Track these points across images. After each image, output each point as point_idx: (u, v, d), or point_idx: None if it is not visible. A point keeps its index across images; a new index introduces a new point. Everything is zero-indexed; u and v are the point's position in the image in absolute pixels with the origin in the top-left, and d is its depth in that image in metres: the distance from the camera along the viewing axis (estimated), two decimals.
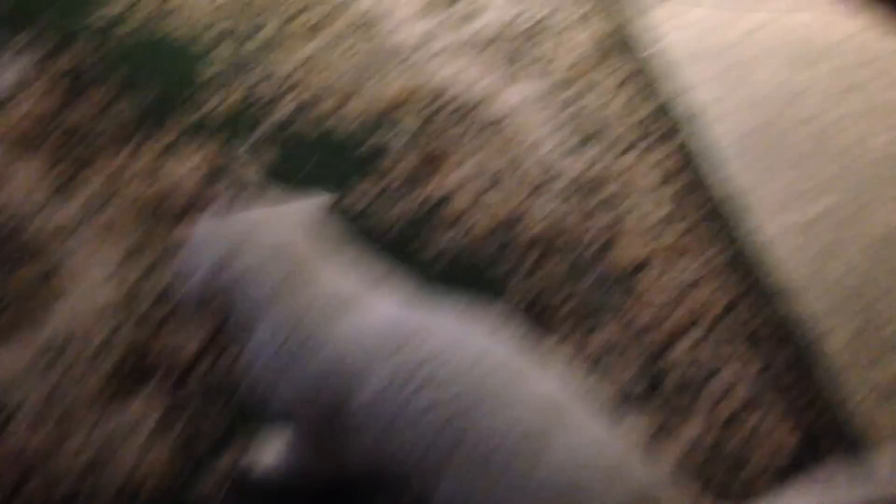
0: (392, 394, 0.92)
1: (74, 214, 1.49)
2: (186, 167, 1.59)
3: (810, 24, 2.20)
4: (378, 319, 0.98)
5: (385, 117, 1.77)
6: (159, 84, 1.75)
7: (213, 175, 1.59)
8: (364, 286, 1.03)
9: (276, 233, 1.05)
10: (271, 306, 1.01)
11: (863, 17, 2.24)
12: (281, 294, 1.01)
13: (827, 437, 1.32)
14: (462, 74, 1.91)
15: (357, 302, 1.00)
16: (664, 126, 1.83)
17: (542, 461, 0.86)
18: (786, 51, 2.11)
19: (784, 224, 1.64)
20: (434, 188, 1.64)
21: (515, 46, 2.01)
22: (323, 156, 1.67)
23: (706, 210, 1.65)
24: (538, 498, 0.85)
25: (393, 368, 0.93)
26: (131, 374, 1.29)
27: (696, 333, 1.44)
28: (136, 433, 1.23)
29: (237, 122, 1.71)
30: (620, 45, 2.05)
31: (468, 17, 2.08)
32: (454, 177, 1.67)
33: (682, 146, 1.78)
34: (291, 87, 1.81)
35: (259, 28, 1.95)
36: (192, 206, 1.52)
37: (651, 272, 1.53)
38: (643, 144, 1.79)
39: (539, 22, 2.09)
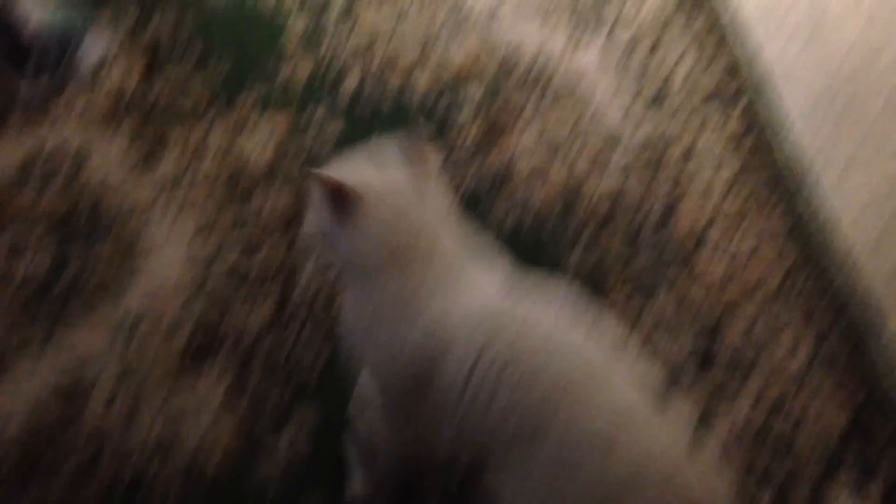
0: (476, 384, 0.97)
1: (154, 188, 1.56)
2: (262, 137, 1.66)
3: None
4: (475, 303, 1.01)
5: (455, 83, 1.81)
6: (235, 56, 1.81)
7: (289, 143, 1.66)
8: (471, 259, 1.06)
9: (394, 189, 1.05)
10: (381, 266, 1.03)
11: None
12: (391, 254, 1.03)
13: (876, 416, 1.34)
14: (531, 38, 1.93)
15: (462, 278, 1.03)
16: (733, 87, 1.82)
17: (608, 468, 0.91)
18: (865, 4, 2.04)
19: (850, 188, 1.62)
20: (502, 152, 1.68)
21: (585, 9, 2.01)
22: (395, 122, 1.73)
23: (771, 173, 1.65)
24: (597, 500, 0.91)
25: (482, 360, 0.97)
26: (200, 350, 1.36)
27: (753, 303, 1.46)
28: (203, 411, 1.30)
29: (312, 91, 1.76)
30: (692, 4, 2.03)
31: None
32: (523, 140, 1.70)
33: (750, 108, 1.77)
34: (364, 55, 1.86)
35: None
36: (268, 176, 1.59)
37: (712, 237, 1.55)
38: (711, 106, 1.79)
39: None
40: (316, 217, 1.07)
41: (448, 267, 1.03)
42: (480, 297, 1.02)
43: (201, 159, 1.61)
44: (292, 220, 1.52)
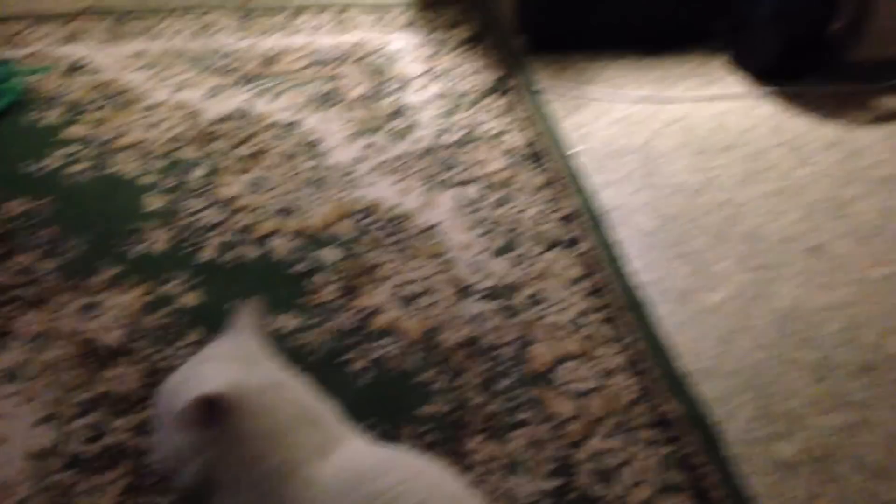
0: None
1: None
2: (113, 317, 1.67)
3: (722, 113, 2.38)
4: (350, 476, 1.03)
5: (313, 243, 1.89)
6: (89, 235, 1.86)
7: (142, 320, 1.68)
8: (338, 432, 1.09)
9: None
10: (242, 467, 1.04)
11: (773, 101, 2.42)
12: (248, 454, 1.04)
13: None
14: (392, 189, 2.05)
15: (335, 454, 1.06)
16: (579, 226, 1.96)
17: None
18: (698, 140, 2.28)
19: (682, 319, 1.75)
20: (360, 308, 1.74)
21: (442, 160, 2.16)
22: (258, 281, 1.78)
23: (612, 311, 1.76)
24: None
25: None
26: None
27: (607, 427, 1.52)
28: None
29: (168, 264, 1.81)
30: (542, 150, 2.20)
31: (398, 136, 2.24)
32: (380, 295, 1.77)
33: (595, 245, 1.90)
34: (223, 222, 1.93)
35: (200, 159, 2.10)
36: (117, 357, 1.59)
37: (561, 377, 1.62)
38: (559, 246, 1.91)
39: (465, 135, 2.25)
40: (176, 434, 1.04)
41: (323, 447, 1.05)
42: (354, 469, 1.04)
43: (47, 347, 1.60)
44: (141, 400, 1.51)
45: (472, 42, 2.70)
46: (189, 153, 2.12)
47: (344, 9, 2.80)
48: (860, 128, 2.34)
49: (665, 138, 2.28)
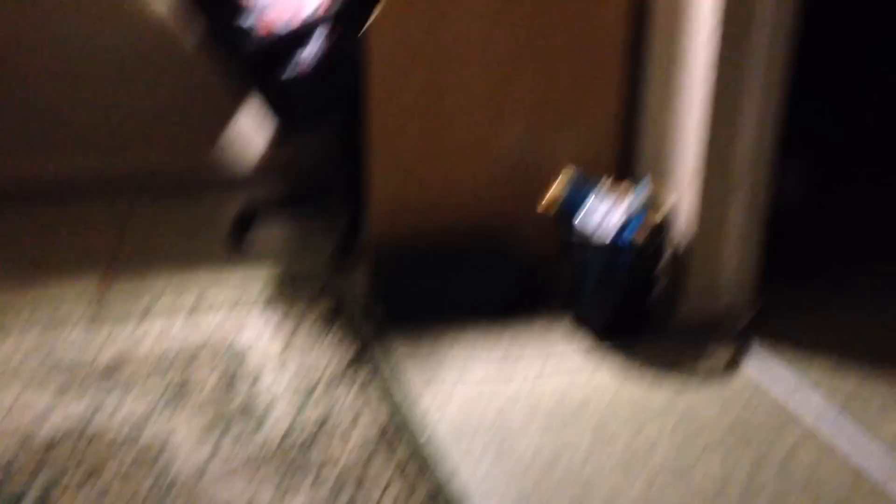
0: None
1: None
2: None
3: (562, 386, 2.47)
4: None
5: None
6: None
7: None
8: None
9: None
10: None
11: (611, 365, 2.54)
12: None
13: None
14: (240, 497, 1.97)
15: None
16: None
17: None
18: (542, 415, 2.33)
19: None
20: None
21: (291, 458, 2.11)
22: None
23: None
24: None
25: None
26: None
27: None
28: None
29: None
30: (392, 437, 2.20)
31: (247, 436, 2.19)
32: None
33: None
34: None
35: (27, 491, 1.96)
36: None
37: None
38: None
39: (315, 429, 2.23)
40: None
41: None
42: None
43: None
44: None
45: (329, 318, 2.76)
46: (17, 484, 1.99)
47: (197, 301, 2.83)
48: (692, 387, 2.47)
49: (515, 410, 2.33)
